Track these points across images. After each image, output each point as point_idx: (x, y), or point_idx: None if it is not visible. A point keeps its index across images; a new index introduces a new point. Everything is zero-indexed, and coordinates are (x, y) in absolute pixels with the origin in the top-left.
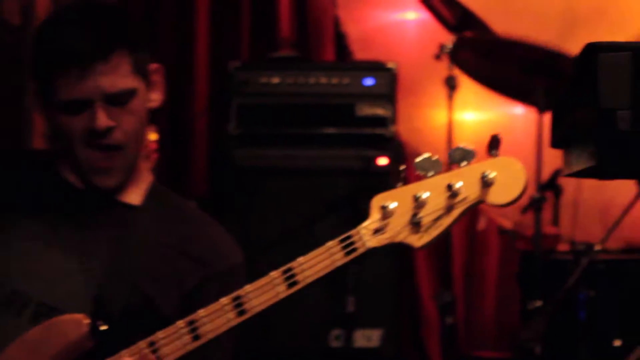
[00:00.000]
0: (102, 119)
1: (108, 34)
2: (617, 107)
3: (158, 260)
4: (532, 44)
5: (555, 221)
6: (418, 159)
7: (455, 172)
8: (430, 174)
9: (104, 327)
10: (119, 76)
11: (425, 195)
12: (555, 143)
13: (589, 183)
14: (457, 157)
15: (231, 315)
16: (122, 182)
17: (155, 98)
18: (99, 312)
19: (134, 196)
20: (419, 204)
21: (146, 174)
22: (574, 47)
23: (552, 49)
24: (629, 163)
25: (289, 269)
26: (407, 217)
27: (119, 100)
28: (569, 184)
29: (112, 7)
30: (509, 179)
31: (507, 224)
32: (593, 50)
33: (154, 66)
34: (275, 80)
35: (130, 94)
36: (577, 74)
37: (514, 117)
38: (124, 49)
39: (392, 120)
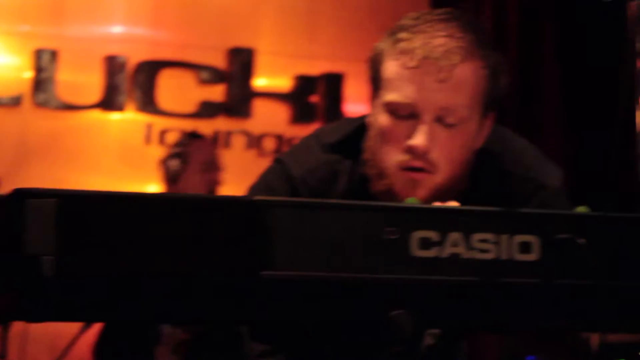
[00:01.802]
0: None
1: None
2: (42, 253)
3: None
4: None
5: (4, 354)
6: None
7: None
8: None
9: None
10: None
11: None
12: None
13: None
14: None
15: None
16: None
17: None
18: None
19: None
20: None
21: None
22: (27, 175)
23: None
24: (56, 308)
25: None
26: None
27: None
28: None
29: None
30: None
31: None
32: (20, 195)
33: None
34: None
35: None
36: (4, 218)
37: None
38: None
39: None
